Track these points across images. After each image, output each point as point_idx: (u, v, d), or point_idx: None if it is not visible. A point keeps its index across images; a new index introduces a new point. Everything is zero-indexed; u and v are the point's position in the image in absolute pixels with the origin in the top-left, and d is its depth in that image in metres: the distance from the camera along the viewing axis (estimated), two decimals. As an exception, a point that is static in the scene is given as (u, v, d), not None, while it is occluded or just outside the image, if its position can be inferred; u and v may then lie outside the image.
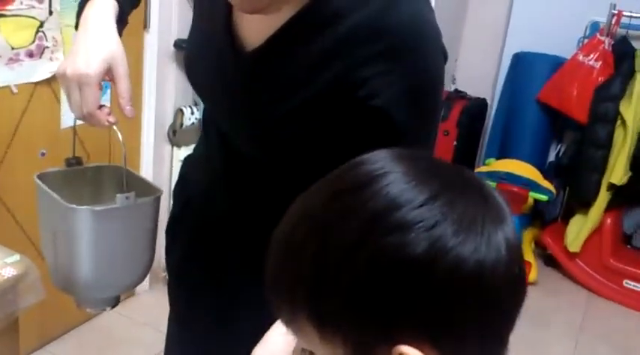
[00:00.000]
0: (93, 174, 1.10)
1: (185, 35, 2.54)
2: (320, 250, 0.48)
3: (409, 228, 0.46)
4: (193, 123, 2.43)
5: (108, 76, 0.89)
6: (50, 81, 1.91)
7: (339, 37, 0.79)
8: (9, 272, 1.10)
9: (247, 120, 0.91)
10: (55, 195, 0.96)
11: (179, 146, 2.43)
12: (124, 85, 0.90)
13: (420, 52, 0.80)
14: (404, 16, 0.79)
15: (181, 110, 2.40)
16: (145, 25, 2.21)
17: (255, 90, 0.88)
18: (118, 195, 0.93)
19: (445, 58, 0.84)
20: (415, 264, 0.46)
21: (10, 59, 1.78)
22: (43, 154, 1.96)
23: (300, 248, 0.49)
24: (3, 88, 1.78)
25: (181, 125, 2.40)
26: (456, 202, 0.48)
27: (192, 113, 2.43)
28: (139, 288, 2.57)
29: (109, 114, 0.91)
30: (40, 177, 1.01)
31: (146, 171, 2.39)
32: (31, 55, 1.83)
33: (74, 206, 0.93)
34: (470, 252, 0.46)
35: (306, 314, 0.49)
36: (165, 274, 2.60)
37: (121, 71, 0.89)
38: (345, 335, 0.48)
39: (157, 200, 1.00)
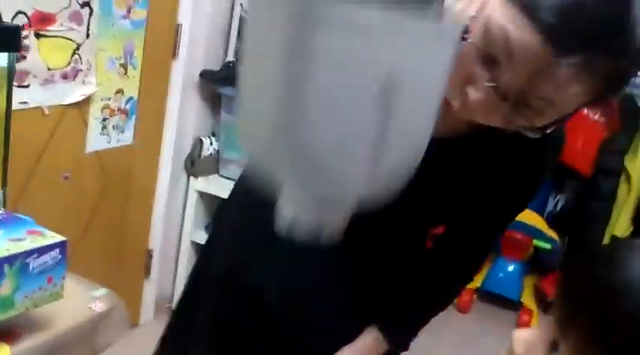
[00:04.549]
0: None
1: (212, 66, 2.55)
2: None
3: None
4: (211, 153, 2.41)
5: None
6: (80, 104, 1.89)
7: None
8: (98, 306, 0.98)
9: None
10: None
11: (196, 176, 2.40)
12: None
13: None
14: None
15: (201, 140, 2.38)
16: (174, 54, 2.21)
17: (436, 175, 0.90)
18: None
19: None
20: None
21: (45, 80, 1.76)
22: (65, 177, 1.93)
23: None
24: (35, 108, 1.76)
25: (200, 155, 2.38)
26: None
27: (211, 143, 2.42)
28: (144, 319, 2.51)
29: None
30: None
31: (160, 198, 2.36)
32: (65, 76, 1.81)
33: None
34: None
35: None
36: (169, 305, 2.54)
37: None
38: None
39: None
